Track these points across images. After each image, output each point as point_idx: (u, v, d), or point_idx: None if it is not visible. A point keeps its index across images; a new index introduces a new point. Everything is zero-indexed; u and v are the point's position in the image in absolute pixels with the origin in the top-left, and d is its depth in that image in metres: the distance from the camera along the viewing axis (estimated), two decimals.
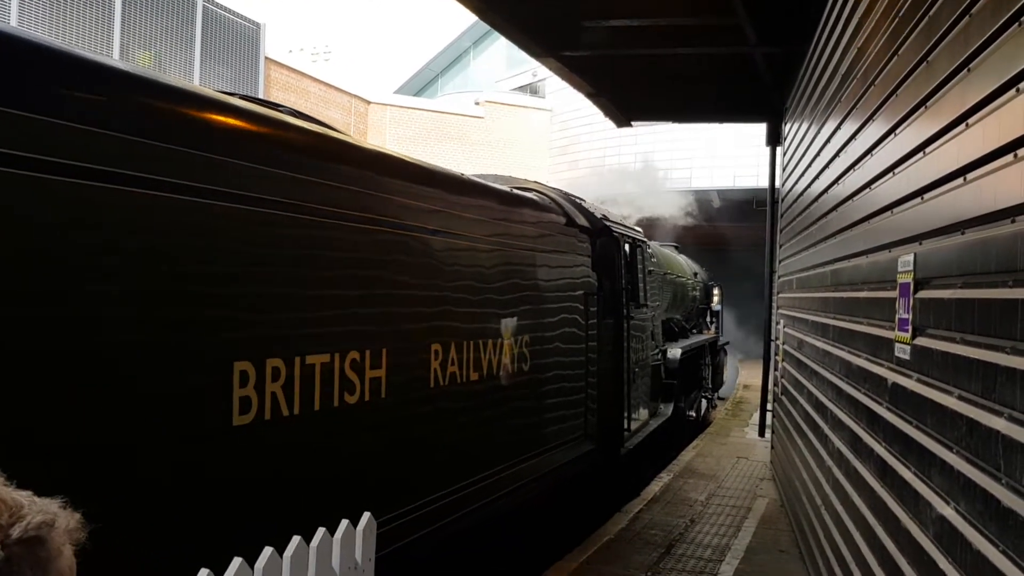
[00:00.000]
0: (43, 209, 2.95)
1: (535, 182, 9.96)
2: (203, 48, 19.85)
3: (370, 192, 4.98)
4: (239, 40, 21.24)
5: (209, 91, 4.25)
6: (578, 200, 9.94)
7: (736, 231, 27.23)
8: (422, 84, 41.71)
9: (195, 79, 19.24)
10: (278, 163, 4.15)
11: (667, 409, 13.04)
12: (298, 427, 4.15)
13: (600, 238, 9.43)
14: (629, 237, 10.73)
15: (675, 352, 13.91)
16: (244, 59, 21.45)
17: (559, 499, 8.28)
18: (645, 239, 12.14)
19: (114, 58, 3.04)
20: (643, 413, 11.39)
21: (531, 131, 30.36)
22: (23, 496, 1.03)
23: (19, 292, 2.87)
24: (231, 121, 4.03)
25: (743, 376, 24.24)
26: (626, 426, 10.11)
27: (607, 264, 9.44)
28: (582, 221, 9.13)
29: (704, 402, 17.36)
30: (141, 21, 18.44)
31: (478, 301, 6.41)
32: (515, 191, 8.12)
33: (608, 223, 9.84)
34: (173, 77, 4.58)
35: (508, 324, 6.89)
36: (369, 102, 28.18)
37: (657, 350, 12.61)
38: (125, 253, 3.25)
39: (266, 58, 22.39)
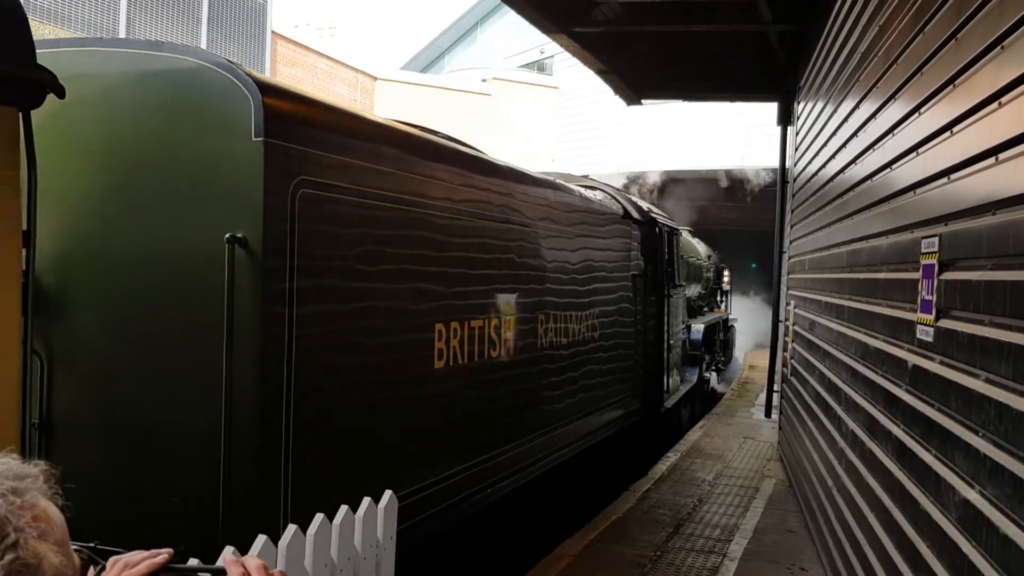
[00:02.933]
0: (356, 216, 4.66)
1: (586, 176, 11.80)
2: (210, 23, 19.72)
3: (504, 196, 6.65)
4: (246, 15, 21.09)
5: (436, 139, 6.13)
6: (625, 194, 11.78)
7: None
8: (429, 60, 41.45)
9: None
10: (460, 181, 5.84)
11: (693, 376, 15.12)
12: (466, 373, 5.87)
13: (646, 227, 11.06)
14: (668, 226, 12.39)
15: (699, 327, 15.96)
16: (251, 34, 21.31)
17: (617, 445, 10.04)
18: (678, 228, 13.80)
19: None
20: (676, 378, 13.21)
21: (538, 108, 30.19)
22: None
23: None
24: (450, 157, 5.96)
25: (749, 357, 24.24)
26: (665, 388, 11.97)
27: (652, 250, 11.13)
28: (633, 213, 10.70)
29: (715, 374, 19.15)
30: None
31: (567, 280, 8.03)
32: (586, 188, 9.89)
33: (653, 215, 11.61)
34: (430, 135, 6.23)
35: (585, 299, 8.52)
36: (376, 78, 28.03)
37: (684, 325, 14.46)
38: (394, 245, 4.97)
39: (273, 33, 22.24)
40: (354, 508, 3.50)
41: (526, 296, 6.99)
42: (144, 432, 3.93)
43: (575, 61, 13.28)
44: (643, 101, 14.98)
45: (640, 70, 13.27)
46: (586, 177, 11.41)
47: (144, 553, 1.26)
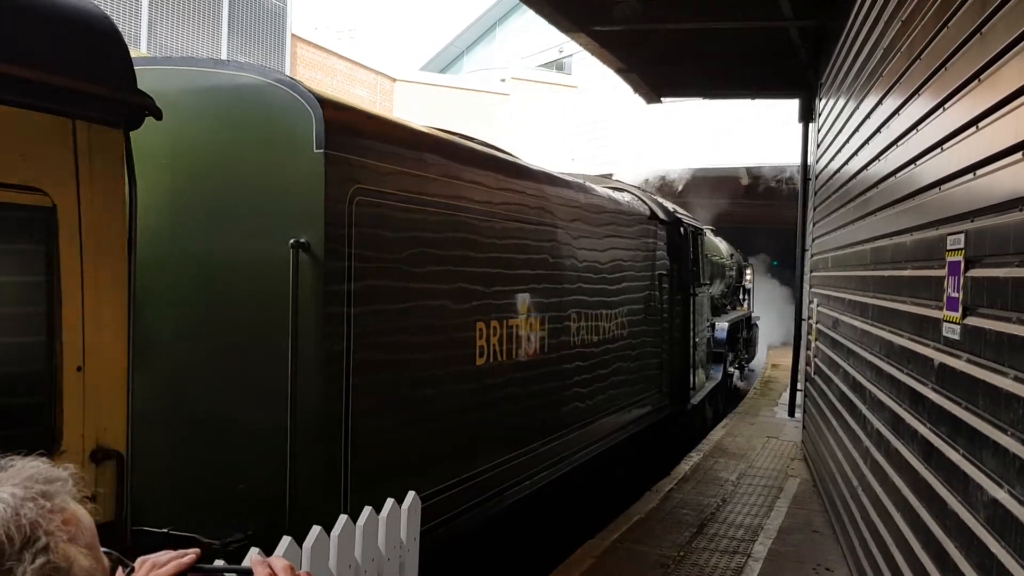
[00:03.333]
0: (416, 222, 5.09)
1: (615, 179, 12.30)
2: (230, 26, 19.84)
3: (538, 199, 6.99)
4: (266, 18, 21.21)
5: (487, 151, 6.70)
6: (650, 194, 12.08)
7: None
8: (447, 61, 41.49)
9: (222, 57, 19.25)
10: (497, 186, 6.24)
11: (717, 373, 15.37)
12: (504, 370, 6.21)
13: (671, 227, 11.34)
14: (692, 226, 12.65)
15: (723, 325, 16.23)
16: (271, 37, 21.43)
17: (646, 441, 10.39)
18: (702, 227, 14.06)
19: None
20: (701, 375, 13.39)
21: (557, 107, 30.15)
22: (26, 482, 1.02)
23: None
24: (488, 163, 6.38)
25: (772, 356, 24.09)
26: (691, 385, 12.20)
27: (677, 250, 11.41)
28: (659, 213, 10.96)
29: (737, 371, 19.29)
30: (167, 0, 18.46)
31: (597, 279, 8.34)
32: (614, 190, 10.16)
33: (678, 215, 11.92)
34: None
35: (615, 298, 8.83)
36: (395, 79, 28.10)
37: (709, 323, 14.72)
38: (438, 247, 5.31)
39: (292, 35, 22.35)
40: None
41: (559, 295, 7.34)
42: (216, 424, 4.16)
43: (594, 60, 13.25)
44: (663, 99, 14.93)
45: (659, 68, 13.22)
46: (611, 178, 11.91)
47: (172, 553, 1.26)
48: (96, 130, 3.17)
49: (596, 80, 26.01)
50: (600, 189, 9.33)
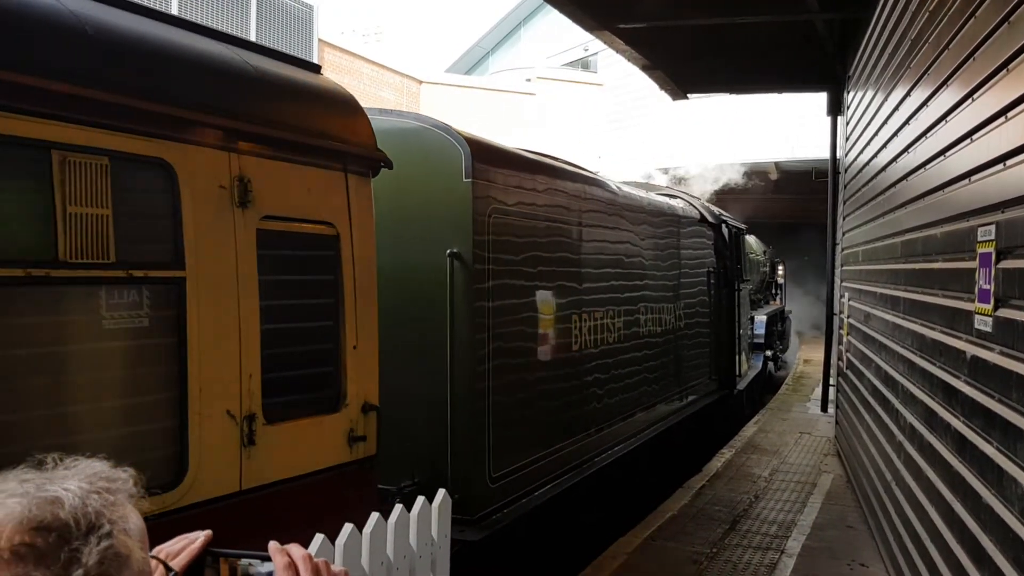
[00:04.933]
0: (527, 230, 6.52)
1: (666, 186, 13.73)
2: (258, 31, 20.02)
3: (612, 207, 8.35)
4: (293, 22, 21.38)
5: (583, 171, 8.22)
6: (699, 200, 13.39)
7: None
8: (473, 62, 41.58)
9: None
10: (583, 196, 7.58)
11: (758, 363, 16.99)
12: (592, 356, 7.57)
13: (717, 229, 12.64)
14: (735, 227, 13.99)
15: (761, 318, 17.80)
16: (298, 42, 21.59)
17: (701, 420, 11.72)
18: (743, 227, 15.35)
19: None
20: (745, 363, 14.90)
21: (584, 105, 30.09)
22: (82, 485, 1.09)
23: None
24: (577, 179, 7.73)
25: (803, 351, 23.90)
26: (738, 371, 13.67)
27: (723, 249, 12.75)
28: (708, 217, 12.29)
29: (772, 363, 20.32)
30: (197, 6, 18.67)
31: (659, 276, 9.74)
32: (671, 198, 11.52)
33: (723, 218, 13.21)
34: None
35: (673, 293, 10.25)
36: (421, 81, 28.19)
37: (749, 316, 16.10)
38: (545, 250, 6.68)
39: (319, 40, 22.50)
40: (525, 465, 5.92)
41: (630, 291, 8.72)
42: (401, 395, 5.03)
43: (620, 57, 13.21)
44: (689, 95, 14.85)
45: (685, 64, 13.15)
46: (667, 186, 13.34)
47: (182, 539, 1.29)
48: (357, 179, 4.37)
49: (622, 78, 25.93)
50: (659, 197, 10.70)
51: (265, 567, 1.24)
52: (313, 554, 1.26)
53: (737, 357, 13.49)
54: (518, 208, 6.23)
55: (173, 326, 3.29)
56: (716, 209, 13.55)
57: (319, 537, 2.58)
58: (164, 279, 3.26)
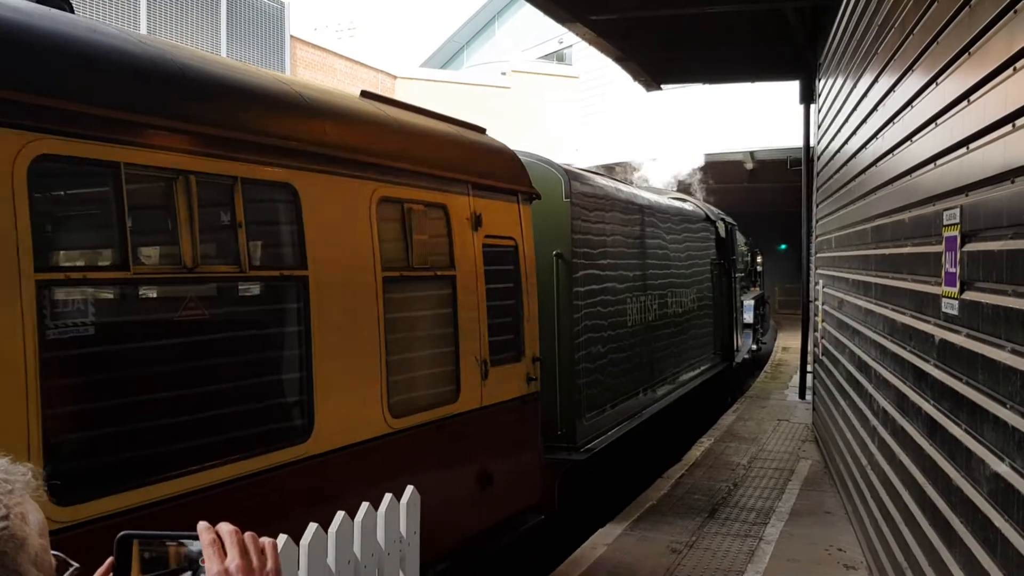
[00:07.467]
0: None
1: (676, 191, 16.32)
2: (228, 29, 19.84)
3: (646, 211, 10.67)
4: (264, 20, 21.20)
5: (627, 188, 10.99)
6: (703, 202, 16.27)
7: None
8: (447, 57, 41.42)
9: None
10: (629, 203, 10.06)
11: (749, 340, 19.95)
12: (639, 331, 9.93)
13: (717, 225, 15.08)
14: (729, 223, 16.39)
15: (749, 302, 20.38)
16: (270, 39, 21.43)
17: (706, 388, 13.89)
18: (735, 223, 17.66)
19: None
20: (740, 340, 17.57)
21: (559, 98, 30.06)
22: None
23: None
24: (623, 191, 10.30)
25: (781, 339, 24.03)
26: (736, 347, 16.37)
27: (722, 242, 15.25)
28: (711, 215, 14.86)
29: (755, 345, 22.69)
30: (167, 3, 18.48)
31: (679, 267, 12.10)
32: (680, 201, 14.00)
33: (722, 216, 15.77)
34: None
35: (689, 280, 12.63)
36: (395, 77, 28.09)
37: (740, 301, 18.41)
38: (609, 247, 9.08)
39: (292, 36, 22.34)
40: (603, 411, 8.66)
41: (663, 279, 11.06)
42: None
43: (595, 50, 13.21)
44: (663, 87, 14.87)
45: (658, 55, 13.17)
46: (676, 191, 15.93)
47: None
48: (524, 207, 6.58)
49: (597, 70, 25.90)
50: (674, 201, 13.16)
51: (194, 545, 1.23)
52: (280, 551, 1.25)
53: (735, 335, 16.31)
54: (594, 214, 8.51)
55: (450, 305, 5.42)
56: (715, 209, 16.12)
57: (283, 537, 2.55)
58: (445, 277, 5.42)
